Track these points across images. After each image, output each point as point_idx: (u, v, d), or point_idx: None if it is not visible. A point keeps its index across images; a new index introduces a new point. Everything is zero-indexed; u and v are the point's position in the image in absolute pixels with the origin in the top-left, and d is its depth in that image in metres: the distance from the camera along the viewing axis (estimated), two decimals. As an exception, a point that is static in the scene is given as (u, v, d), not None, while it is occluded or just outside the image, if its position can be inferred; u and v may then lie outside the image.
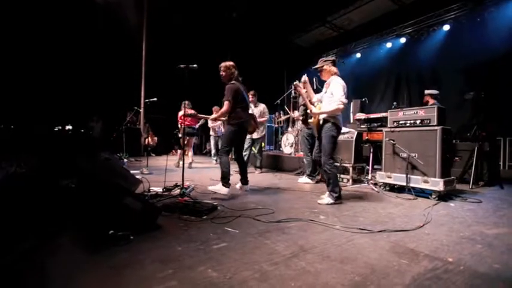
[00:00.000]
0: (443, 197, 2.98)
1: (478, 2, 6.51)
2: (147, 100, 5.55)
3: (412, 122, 3.23)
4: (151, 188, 3.21)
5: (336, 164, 3.09)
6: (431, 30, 7.50)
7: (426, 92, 4.70)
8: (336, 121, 2.81)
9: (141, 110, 8.76)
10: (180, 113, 6.34)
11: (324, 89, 3.00)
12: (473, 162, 3.76)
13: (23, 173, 4.08)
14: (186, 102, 3.91)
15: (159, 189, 3.22)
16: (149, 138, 9.54)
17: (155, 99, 5.50)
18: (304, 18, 8.93)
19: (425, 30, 7.57)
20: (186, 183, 3.59)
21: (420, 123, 3.15)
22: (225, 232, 1.89)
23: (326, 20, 9.03)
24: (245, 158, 5.74)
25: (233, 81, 3.14)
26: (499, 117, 5.59)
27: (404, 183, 3.18)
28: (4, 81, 7.22)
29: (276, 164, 5.92)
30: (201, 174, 4.95)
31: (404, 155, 3.20)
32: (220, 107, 3.39)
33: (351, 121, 5.91)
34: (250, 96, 5.20)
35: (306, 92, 3.14)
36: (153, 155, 9.56)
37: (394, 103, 4.77)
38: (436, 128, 2.98)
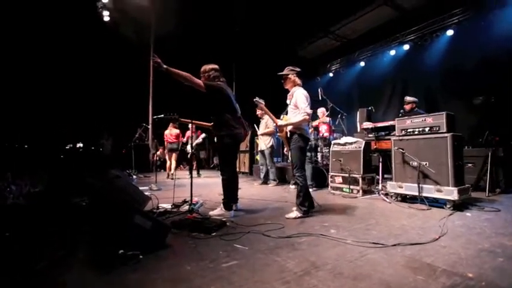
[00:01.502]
0: (459, 206, 2.88)
1: (481, 6, 6.51)
2: (155, 117, 5.70)
3: (420, 129, 3.19)
4: (160, 205, 3.22)
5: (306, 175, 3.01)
6: (434, 36, 7.49)
7: (410, 99, 4.64)
8: (302, 132, 2.82)
9: (149, 127, 8.94)
10: (166, 132, 7.18)
11: (287, 100, 2.99)
12: (488, 169, 3.64)
13: (36, 192, 4.17)
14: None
15: (168, 206, 3.23)
16: (159, 151, 9.77)
17: (162, 115, 5.61)
18: (307, 29, 9.09)
19: (429, 36, 7.57)
20: (195, 199, 3.59)
21: (429, 130, 3.10)
22: (235, 249, 1.87)
23: (329, 31, 9.16)
24: (262, 174, 5.75)
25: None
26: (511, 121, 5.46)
27: (417, 193, 3.10)
28: (16, 101, 7.52)
29: (284, 176, 5.86)
30: (210, 189, 4.95)
31: (415, 164, 3.14)
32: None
33: (358, 130, 5.87)
34: (258, 110, 5.23)
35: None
36: (162, 170, 9.67)
37: (402, 111, 4.71)
38: (446, 135, 2.93)
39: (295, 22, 8.54)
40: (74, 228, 2.24)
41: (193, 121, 3.07)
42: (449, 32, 7.15)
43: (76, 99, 8.85)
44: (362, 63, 9.29)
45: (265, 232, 2.20)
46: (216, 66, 2.95)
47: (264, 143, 5.48)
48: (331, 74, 10.41)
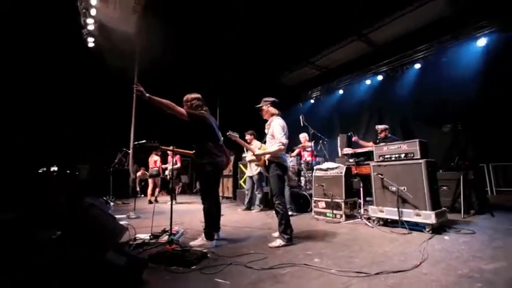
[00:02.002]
0: (437, 229, 2.95)
1: (441, 43, 7.28)
2: (136, 143, 5.60)
3: (396, 155, 3.34)
4: (137, 236, 3.04)
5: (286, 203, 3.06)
6: (404, 68, 8.19)
7: (381, 127, 5.02)
8: (280, 160, 2.88)
9: (130, 151, 8.69)
10: (155, 158, 7.31)
11: (266, 129, 3.08)
12: (461, 192, 3.82)
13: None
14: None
15: (147, 236, 3.05)
16: (139, 172, 9.49)
17: (144, 141, 5.52)
18: (289, 59, 9.60)
19: (399, 68, 8.27)
20: (175, 228, 3.43)
21: (405, 157, 3.26)
22: (215, 285, 1.77)
23: (309, 61, 9.74)
24: (246, 199, 5.66)
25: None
26: (478, 146, 5.89)
27: (397, 217, 3.16)
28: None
29: (270, 202, 5.78)
30: (192, 215, 4.77)
31: (394, 189, 3.24)
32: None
33: (340, 155, 6.04)
34: (247, 135, 5.25)
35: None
36: (142, 195, 9.27)
37: (378, 138, 4.97)
38: (420, 161, 3.08)
39: (277, 52, 9.01)
40: (39, 269, 2.04)
41: (174, 149, 3.03)
42: (417, 65, 7.84)
43: (54, 119, 8.52)
44: (341, 91, 9.83)
45: (248, 263, 2.12)
46: (198, 96, 2.98)
47: (252, 168, 5.49)
48: (312, 101, 10.88)
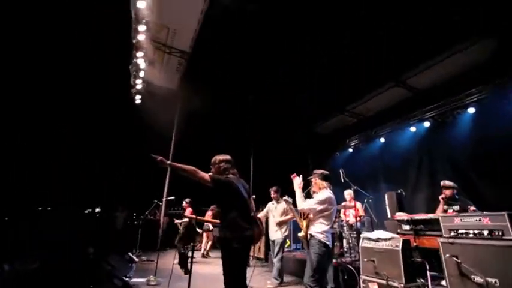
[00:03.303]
0: None
1: (499, 84, 6.42)
2: (165, 198, 5.55)
3: (476, 232, 2.53)
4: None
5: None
6: (455, 113, 7.30)
7: (449, 184, 3.96)
8: (324, 239, 2.64)
9: (162, 204, 8.65)
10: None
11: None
12: None
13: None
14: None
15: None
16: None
17: (173, 197, 5.47)
18: (322, 108, 9.38)
19: (450, 113, 7.38)
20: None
21: (489, 234, 2.44)
22: None
23: (345, 109, 9.37)
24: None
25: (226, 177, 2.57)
26: None
27: (491, 325, 2.23)
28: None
29: (302, 271, 4.90)
30: (215, 285, 4.05)
31: (479, 281, 2.37)
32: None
33: (389, 216, 5.13)
34: (272, 192, 4.81)
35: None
36: (168, 248, 8.81)
37: (442, 196, 3.93)
38: (515, 243, 2.26)
39: (311, 102, 8.90)
40: None
41: (198, 218, 2.64)
42: (471, 110, 6.95)
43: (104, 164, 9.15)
44: (382, 139, 9.05)
45: None
46: (227, 158, 2.70)
47: (279, 231, 4.60)
48: (350, 150, 10.16)
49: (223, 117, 9.73)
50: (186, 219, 6.63)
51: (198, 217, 2.75)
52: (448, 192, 3.87)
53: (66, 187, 8.44)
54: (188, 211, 6.84)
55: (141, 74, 8.57)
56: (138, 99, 9.52)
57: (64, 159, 8.39)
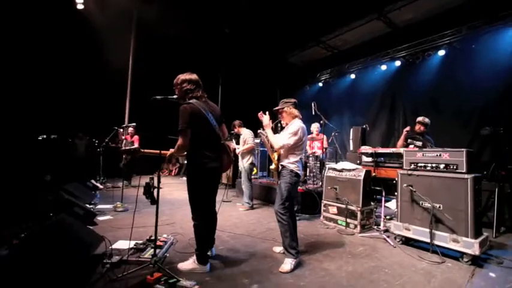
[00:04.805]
0: (476, 259, 2.48)
1: (472, 28, 6.42)
2: (124, 125, 5.02)
3: (434, 165, 2.77)
4: (114, 247, 2.54)
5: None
6: (426, 54, 7.37)
7: (425, 120, 4.15)
8: (295, 169, 2.57)
9: (121, 130, 8.01)
10: None
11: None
12: (495, 207, 3.33)
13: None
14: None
15: (126, 246, 2.52)
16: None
17: (134, 124, 4.95)
18: (298, 37, 8.68)
19: (420, 54, 7.44)
20: (163, 236, 2.92)
21: (445, 168, 2.69)
22: None
23: (320, 40, 8.82)
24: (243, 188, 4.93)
25: (190, 101, 2.20)
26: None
27: (427, 239, 2.68)
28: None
29: (269, 197, 5.29)
30: (185, 210, 4.21)
31: (427, 205, 2.72)
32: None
33: (351, 148, 5.47)
34: (236, 127, 4.70)
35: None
36: (134, 175, 8.69)
37: (408, 129, 4.11)
38: (466, 176, 2.52)
39: (286, 28, 8.09)
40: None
41: (162, 152, 2.29)
42: (441, 52, 7.04)
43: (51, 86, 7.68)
44: (352, 76, 9.02)
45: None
46: (192, 77, 2.28)
47: (244, 159, 4.78)
48: (320, 84, 10.08)
49: (190, 42, 8.42)
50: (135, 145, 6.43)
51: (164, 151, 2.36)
52: (422, 128, 4.07)
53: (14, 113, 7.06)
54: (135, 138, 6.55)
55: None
56: (79, 3, 7.54)
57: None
